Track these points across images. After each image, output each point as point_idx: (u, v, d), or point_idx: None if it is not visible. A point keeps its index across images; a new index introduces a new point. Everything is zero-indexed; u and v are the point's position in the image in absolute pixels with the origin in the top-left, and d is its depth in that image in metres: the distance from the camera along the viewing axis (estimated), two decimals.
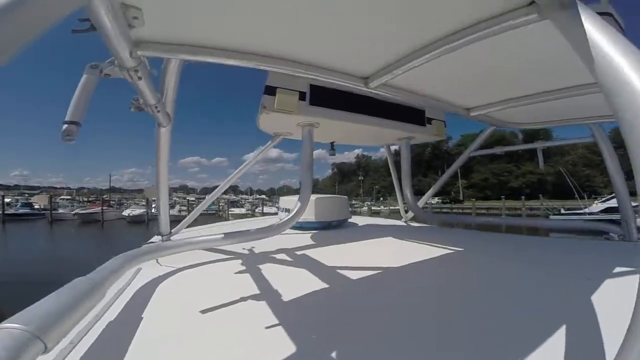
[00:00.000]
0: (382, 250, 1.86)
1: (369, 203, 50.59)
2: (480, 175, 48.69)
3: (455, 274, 1.37)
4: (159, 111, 1.33)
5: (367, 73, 1.32)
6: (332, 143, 2.71)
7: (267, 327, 0.84)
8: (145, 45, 0.97)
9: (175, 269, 1.39)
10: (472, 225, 2.91)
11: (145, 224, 28.56)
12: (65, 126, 0.89)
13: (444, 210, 37.60)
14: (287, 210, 2.61)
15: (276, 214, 3.03)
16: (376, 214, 40.59)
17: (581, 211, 19.39)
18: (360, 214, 39.21)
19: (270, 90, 1.70)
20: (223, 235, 1.60)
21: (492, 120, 2.09)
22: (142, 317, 0.89)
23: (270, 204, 47.53)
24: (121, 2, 0.75)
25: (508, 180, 46.78)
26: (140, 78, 1.03)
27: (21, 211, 30.18)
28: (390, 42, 1.07)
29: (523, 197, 31.33)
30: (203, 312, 0.94)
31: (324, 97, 1.84)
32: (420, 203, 2.95)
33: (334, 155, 2.74)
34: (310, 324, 0.91)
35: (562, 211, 21.78)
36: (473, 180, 49.12)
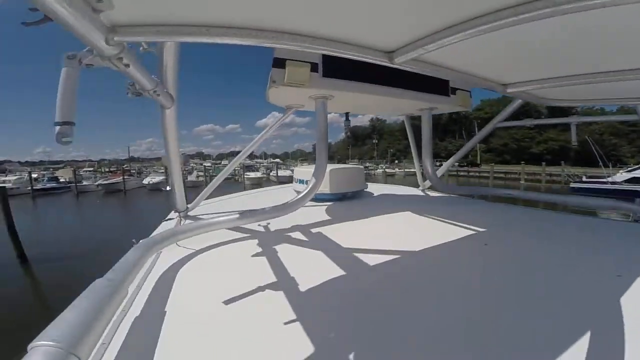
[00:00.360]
0: (401, 229, 1.83)
1: (383, 166, 50.44)
2: (499, 140, 47.02)
3: (477, 258, 1.33)
4: (158, 95, 1.25)
5: (393, 47, 1.17)
6: (347, 114, 2.61)
7: (286, 323, 0.85)
8: (124, 30, 0.83)
9: (193, 251, 1.40)
10: (489, 197, 2.84)
11: (165, 191, 29.55)
12: (57, 128, 0.82)
13: (461, 173, 36.98)
14: (302, 182, 2.60)
15: (290, 177, 3.01)
16: (391, 176, 41.45)
17: (604, 180, 18.73)
18: (374, 176, 39.68)
19: (279, 63, 1.58)
20: (238, 215, 1.59)
21: (528, 97, 1.93)
22: (166, 312, 0.91)
23: (285, 167, 49.28)
24: None
25: (529, 146, 45.05)
26: (127, 65, 0.92)
27: (48, 185, 31.29)
28: (431, 11, 0.87)
29: (544, 163, 30.29)
30: (225, 302, 0.96)
31: (337, 68, 1.73)
32: (439, 172, 2.89)
33: (349, 126, 2.65)
34: (330, 313, 0.93)
35: (584, 179, 21.06)
36: (492, 145, 47.55)
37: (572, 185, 21.06)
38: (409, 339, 0.78)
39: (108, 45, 0.80)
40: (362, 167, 3.01)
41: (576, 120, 2.31)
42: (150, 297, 1.00)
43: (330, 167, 2.50)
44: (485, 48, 1.15)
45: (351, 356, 0.72)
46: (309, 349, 0.74)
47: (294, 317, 0.87)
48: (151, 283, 1.10)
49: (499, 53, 1.23)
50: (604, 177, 19.04)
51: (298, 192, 2.59)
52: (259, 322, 0.87)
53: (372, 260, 1.28)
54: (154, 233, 1.78)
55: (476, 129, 43.64)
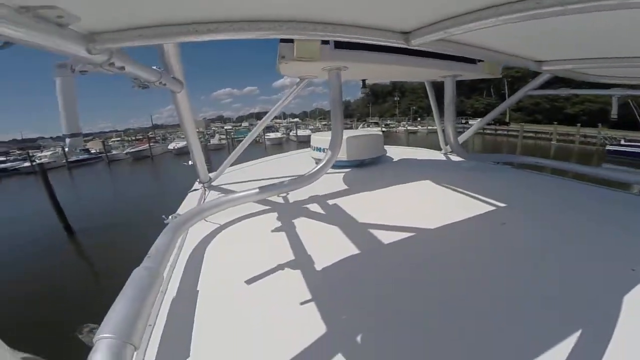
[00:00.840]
0: (419, 202, 1.81)
1: (405, 124, 49.39)
2: (531, 99, 43.60)
3: (494, 239, 1.30)
4: (164, 84, 1.23)
5: (409, 27, 1.05)
6: (363, 81, 2.48)
7: (302, 303, 0.91)
8: (103, 37, 0.76)
9: (218, 226, 1.51)
10: (515, 164, 2.72)
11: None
12: (68, 140, 0.87)
13: (487, 131, 35.53)
14: (319, 149, 2.59)
15: (309, 137, 3.03)
16: (413, 134, 41.84)
17: None
18: (397, 133, 39.43)
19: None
20: (259, 190, 1.67)
21: (566, 73, 1.76)
22: (198, 290, 1.00)
23: (304, 126, 50.61)
24: (19, 6, 0.53)
25: (563, 106, 41.37)
26: (122, 68, 0.87)
27: (81, 157, 32.94)
28: None
29: (579, 125, 28.21)
30: (250, 280, 1.04)
31: None
32: (462, 139, 2.78)
33: (366, 92, 2.52)
34: (348, 289, 0.98)
35: (622, 142, 19.78)
36: (522, 104, 44.41)
37: (608, 147, 19.93)
38: (418, 322, 0.82)
39: (92, 55, 0.75)
40: (380, 133, 2.92)
41: (619, 93, 2.04)
42: (184, 277, 1.09)
43: (347, 134, 2.45)
44: (519, 29, 1.02)
45: (369, 335, 0.77)
46: (331, 326, 0.81)
47: (312, 295, 0.94)
48: (183, 262, 1.20)
49: (535, 32, 1.09)
50: None
51: (315, 160, 2.60)
52: (282, 299, 0.95)
53: (387, 237, 1.30)
54: (181, 206, 1.93)
55: (506, 87, 40.78)
